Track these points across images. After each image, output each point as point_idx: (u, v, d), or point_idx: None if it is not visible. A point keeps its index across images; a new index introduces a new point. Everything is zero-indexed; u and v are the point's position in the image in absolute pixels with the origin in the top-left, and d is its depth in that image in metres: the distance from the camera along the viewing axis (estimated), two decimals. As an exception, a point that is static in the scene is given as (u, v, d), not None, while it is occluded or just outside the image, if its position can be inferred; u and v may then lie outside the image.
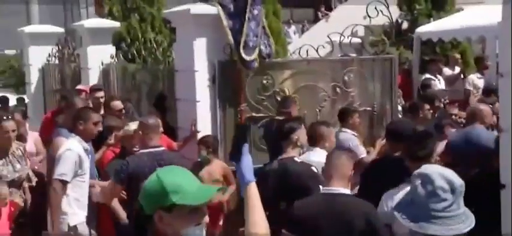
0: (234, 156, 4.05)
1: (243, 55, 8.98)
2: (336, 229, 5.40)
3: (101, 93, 11.13)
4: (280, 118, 8.44)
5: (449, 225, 3.77)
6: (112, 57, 13.68)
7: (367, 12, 10.98)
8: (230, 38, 9.05)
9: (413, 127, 7.43)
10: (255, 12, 9.04)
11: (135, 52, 12.96)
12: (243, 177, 3.98)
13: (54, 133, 9.11)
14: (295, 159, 6.86)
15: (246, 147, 4.01)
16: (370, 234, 5.39)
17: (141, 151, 7.41)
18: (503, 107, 5.94)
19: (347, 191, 5.65)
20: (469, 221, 3.85)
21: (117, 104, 10.19)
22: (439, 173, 3.87)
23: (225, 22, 9.07)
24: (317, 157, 7.15)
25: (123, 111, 10.13)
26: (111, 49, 13.99)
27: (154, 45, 12.79)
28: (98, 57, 13.71)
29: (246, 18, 8.93)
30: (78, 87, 12.71)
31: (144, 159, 7.18)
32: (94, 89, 11.53)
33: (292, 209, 5.90)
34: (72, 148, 7.46)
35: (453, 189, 3.79)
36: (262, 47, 9.31)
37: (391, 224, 5.46)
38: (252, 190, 3.99)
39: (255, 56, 9.09)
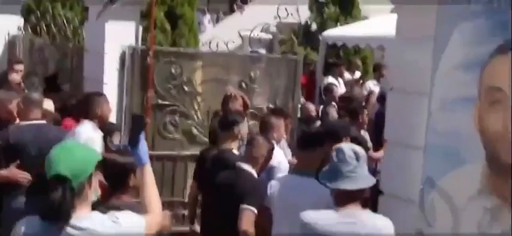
0: (132, 142, 4.32)
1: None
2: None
3: (20, 67, 10.70)
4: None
5: (355, 182, 4.83)
6: (19, 29, 13.29)
7: (277, 12, 10.96)
8: None
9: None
10: None
11: (44, 26, 12.64)
12: (140, 160, 4.27)
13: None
14: (234, 151, 6.90)
15: (142, 134, 4.32)
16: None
17: (21, 122, 7.15)
18: (389, 120, 5.97)
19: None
20: (370, 181, 4.96)
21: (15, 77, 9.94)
22: (349, 146, 5.06)
23: None
24: None
25: (22, 85, 9.67)
26: (19, 20, 13.55)
27: (65, 22, 12.53)
28: (4, 28, 13.24)
29: None
30: None
31: (23, 130, 7.00)
32: (15, 61, 11.14)
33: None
34: None
35: (357, 157, 4.87)
36: None
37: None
38: (147, 170, 4.28)
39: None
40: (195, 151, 9.69)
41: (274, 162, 6.81)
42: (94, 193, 3.95)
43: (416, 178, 5.30)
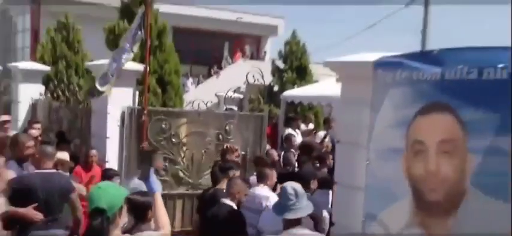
0: (144, 175, 4.92)
1: (97, 85, 8.93)
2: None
3: (37, 125, 10.76)
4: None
5: (295, 213, 5.48)
6: (41, 95, 13.38)
7: (246, 77, 11.19)
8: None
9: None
10: (123, 56, 8.95)
11: (60, 92, 12.72)
12: (152, 189, 4.86)
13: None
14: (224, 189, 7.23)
15: (152, 169, 4.95)
16: None
17: (35, 171, 7.15)
18: (337, 166, 6.11)
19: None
20: (308, 210, 5.58)
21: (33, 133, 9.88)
22: (291, 186, 5.63)
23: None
24: (263, 191, 7.55)
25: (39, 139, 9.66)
26: (40, 87, 13.65)
27: (76, 88, 12.63)
28: (28, 94, 13.38)
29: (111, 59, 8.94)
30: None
31: (35, 176, 6.97)
32: (33, 121, 11.21)
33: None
34: None
35: (297, 194, 5.53)
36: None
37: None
38: (158, 196, 4.83)
39: (105, 88, 8.98)
40: (182, 190, 9.83)
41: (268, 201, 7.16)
42: (122, 220, 4.36)
43: (359, 212, 5.44)
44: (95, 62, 10.80)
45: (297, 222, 5.54)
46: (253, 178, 8.30)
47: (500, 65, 4.42)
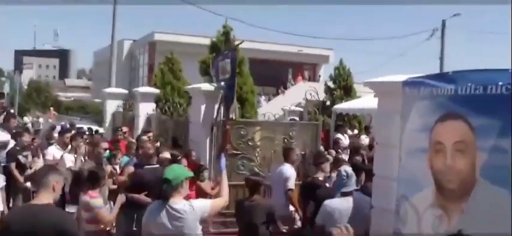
0: (218, 156, 5.85)
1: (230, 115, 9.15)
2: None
3: (150, 134, 10.96)
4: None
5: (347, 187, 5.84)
6: (153, 110, 13.80)
7: (305, 95, 11.24)
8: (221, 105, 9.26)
9: None
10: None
11: (166, 108, 13.07)
12: (221, 167, 5.25)
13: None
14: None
15: (223, 156, 5.50)
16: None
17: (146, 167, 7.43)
18: (376, 162, 6.10)
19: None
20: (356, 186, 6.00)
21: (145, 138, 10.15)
22: (344, 169, 6.01)
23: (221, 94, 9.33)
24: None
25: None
26: (153, 105, 14.07)
27: (179, 106, 12.98)
28: (145, 110, 13.79)
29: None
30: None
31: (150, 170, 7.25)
32: (146, 131, 11.50)
33: None
34: None
35: (348, 175, 5.87)
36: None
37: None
38: (225, 173, 5.15)
39: (232, 115, 9.21)
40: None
41: None
42: (184, 191, 4.67)
43: (392, 197, 5.42)
44: (191, 86, 11.09)
45: (349, 194, 5.86)
46: None
47: (500, 83, 4.39)
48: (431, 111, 4.96)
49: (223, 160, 5.38)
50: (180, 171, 4.79)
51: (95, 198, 5.94)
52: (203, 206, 4.67)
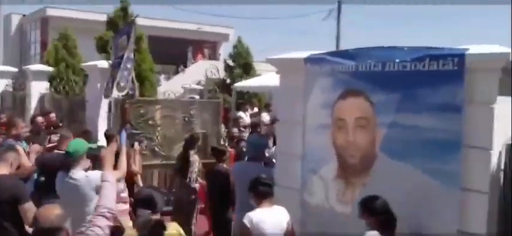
0: (119, 132, 5.89)
1: (115, 91, 8.57)
2: None
3: (53, 115, 9.75)
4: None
5: None
6: (46, 90, 12.86)
7: (206, 73, 11.01)
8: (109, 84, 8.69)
9: None
10: (128, 65, 8.62)
11: (61, 87, 12.30)
12: (121, 141, 5.76)
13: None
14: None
15: (123, 132, 5.87)
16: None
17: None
18: (279, 139, 6.01)
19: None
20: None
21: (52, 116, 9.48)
22: None
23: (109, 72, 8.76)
24: None
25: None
26: (46, 84, 13.16)
27: (74, 84, 12.25)
28: (38, 89, 12.87)
29: (121, 68, 8.54)
30: None
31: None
32: (48, 112, 10.41)
33: None
34: None
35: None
36: (129, 90, 8.82)
37: None
38: (124, 148, 5.62)
39: (123, 93, 8.66)
40: (157, 161, 9.61)
41: None
42: (84, 163, 4.95)
43: (297, 174, 5.36)
44: (87, 63, 10.45)
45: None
46: None
47: (397, 60, 4.44)
48: (332, 88, 4.96)
49: (123, 135, 5.84)
50: (80, 144, 5.10)
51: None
52: (99, 176, 4.49)
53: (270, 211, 4.38)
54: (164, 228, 3.64)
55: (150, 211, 3.83)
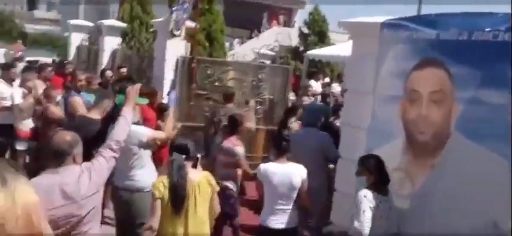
0: (168, 93, 5.96)
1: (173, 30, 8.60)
2: None
3: (124, 70, 10.02)
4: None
5: None
6: (118, 45, 13.11)
7: (277, 38, 10.74)
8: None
9: None
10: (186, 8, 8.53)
11: (132, 43, 12.44)
12: (169, 103, 5.92)
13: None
14: None
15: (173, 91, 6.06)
16: None
17: None
18: (346, 109, 5.68)
19: None
20: None
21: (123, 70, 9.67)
22: None
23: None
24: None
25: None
26: (118, 40, 13.37)
27: (146, 41, 12.36)
28: (110, 44, 13.10)
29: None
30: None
31: None
32: (120, 66, 10.66)
33: None
34: None
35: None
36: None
37: None
38: (171, 110, 5.64)
39: (179, 32, 8.62)
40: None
41: None
42: (134, 118, 4.36)
43: (361, 149, 5.04)
44: (156, 20, 10.43)
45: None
46: None
47: (487, 29, 3.97)
48: (409, 56, 4.56)
49: (173, 96, 5.36)
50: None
51: (238, 146, 5.67)
52: (141, 133, 4.67)
53: (284, 165, 4.65)
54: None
55: (184, 156, 3.95)
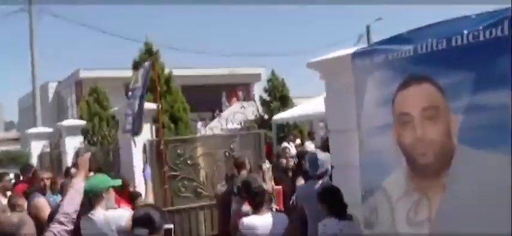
0: (143, 169, 5.53)
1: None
2: None
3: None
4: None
5: None
6: (81, 144, 12.52)
7: (242, 105, 10.44)
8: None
9: None
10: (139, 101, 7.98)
11: (94, 140, 11.94)
12: (145, 177, 5.41)
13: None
14: None
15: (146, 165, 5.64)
16: None
17: None
18: (333, 151, 5.27)
19: None
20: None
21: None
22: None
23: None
24: None
25: None
26: (80, 138, 12.81)
27: (108, 135, 11.87)
28: (72, 144, 12.51)
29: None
30: None
31: None
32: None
33: None
34: None
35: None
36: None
37: None
38: (150, 184, 5.36)
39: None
40: (201, 203, 8.96)
41: None
42: (108, 202, 4.27)
43: (356, 188, 4.63)
44: (115, 108, 9.97)
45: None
46: None
47: (465, 31, 3.70)
48: (389, 80, 4.24)
49: (147, 171, 5.43)
50: (99, 180, 4.37)
51: None
52: (119, 216, 4.17)
53: (264, 216, 4.74)
54: None
55: (147, 231, 3.50)
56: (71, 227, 3.61)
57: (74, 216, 3.70)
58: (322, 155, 5.64)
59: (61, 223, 3.57)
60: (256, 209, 4.75)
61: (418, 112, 4.01)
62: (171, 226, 3.62)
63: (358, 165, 4.61)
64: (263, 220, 4.66)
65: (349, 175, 4.72)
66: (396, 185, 4.15)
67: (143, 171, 5.52)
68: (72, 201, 3.76)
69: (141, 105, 7.81)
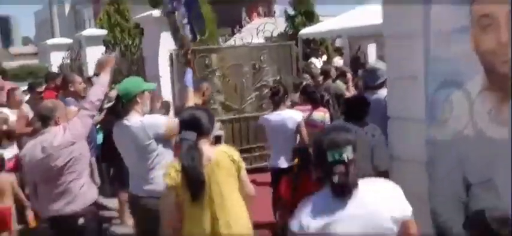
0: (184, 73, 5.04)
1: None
2: None
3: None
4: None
5: None
6: (103, 54, 11.92)
7: (264, 27, 9.81)
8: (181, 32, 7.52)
9: None
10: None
11: (118, 50, 11.48)
12: (186, 82, 4.92)
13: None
14: None
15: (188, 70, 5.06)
16: None
17: None
18: (391, 59, 4.63)
19: None
20: None
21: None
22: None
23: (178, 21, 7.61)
24: None
25: None
26: (102, 49, 12.23)
27: (131, 45, 11.36)
28: (94, 55, 11.96)
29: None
30: None
31: None
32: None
33: None
34: None
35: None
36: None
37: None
38: (190, 90, 4.83)
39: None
40: (228, 116, 8.58)
41: None
42: (140, 106, 3.95)
43: (419, 104, 4.09)
44: (141, 15, 9.37)
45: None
46: None
47: None
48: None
49: (189, 77, 4.93)
50: (131, 83, 4.05)
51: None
52: (155, 124, 3.83)
53: (279, 113, 5.64)
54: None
55: (195, 134, 3.16)
56: (94, 112, 3.85)
57: (98, 104, 3.89)
58: (380, 64, 5.18)
59: (85, 108, 3.82)
60: (277, 106, 5.67)
61: (503, 13, 3.41)
62: (222, 132, 3.22)
63: (422, 77, 4.04)
64: (275, 116, 5.65)
65: (410, 86, 4.16)
66: (474, 89, 3.59)
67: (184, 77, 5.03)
68: (96, 91, 3.90)
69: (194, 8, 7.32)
